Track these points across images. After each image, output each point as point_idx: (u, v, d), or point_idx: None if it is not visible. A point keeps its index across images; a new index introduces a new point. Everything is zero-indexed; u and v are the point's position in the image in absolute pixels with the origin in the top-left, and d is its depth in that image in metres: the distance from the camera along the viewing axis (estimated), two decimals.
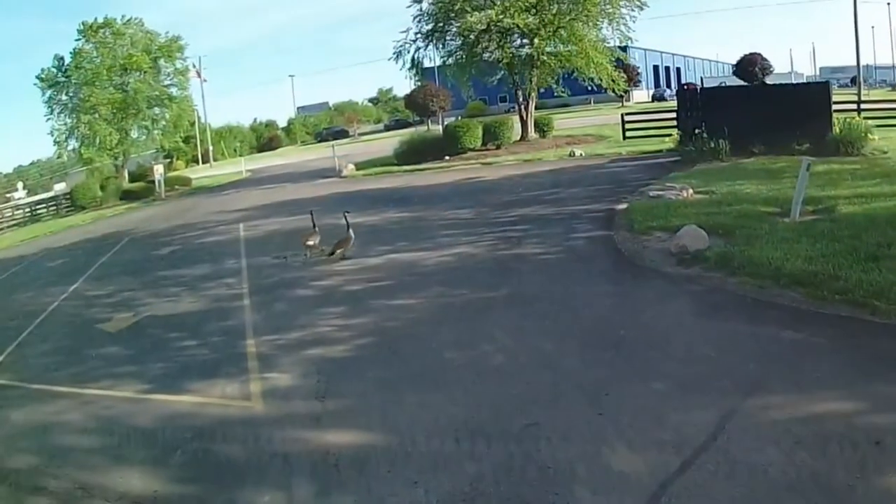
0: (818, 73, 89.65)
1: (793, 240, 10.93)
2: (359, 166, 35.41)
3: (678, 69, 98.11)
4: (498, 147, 34.11)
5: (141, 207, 37.28)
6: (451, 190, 22.73)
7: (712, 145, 21.55)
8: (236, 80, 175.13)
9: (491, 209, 17.94)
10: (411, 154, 34.32)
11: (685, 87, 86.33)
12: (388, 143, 40.43)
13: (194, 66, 73.41)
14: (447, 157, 33.05)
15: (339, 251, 14.21)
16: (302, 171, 40.61)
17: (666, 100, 70.00)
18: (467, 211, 18.09)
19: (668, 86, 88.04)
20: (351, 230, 14.33)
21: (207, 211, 27.67)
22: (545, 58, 35.50)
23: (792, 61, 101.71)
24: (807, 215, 12.72)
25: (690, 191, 16.11)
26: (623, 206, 15.90)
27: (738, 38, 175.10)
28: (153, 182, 41.63)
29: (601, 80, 35.53)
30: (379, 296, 11.12)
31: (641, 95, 72.54)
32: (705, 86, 62.07)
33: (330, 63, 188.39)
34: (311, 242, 15.03)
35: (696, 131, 22.05)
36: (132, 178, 46.90)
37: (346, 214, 14.71)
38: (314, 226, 15.28)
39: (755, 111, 21.80)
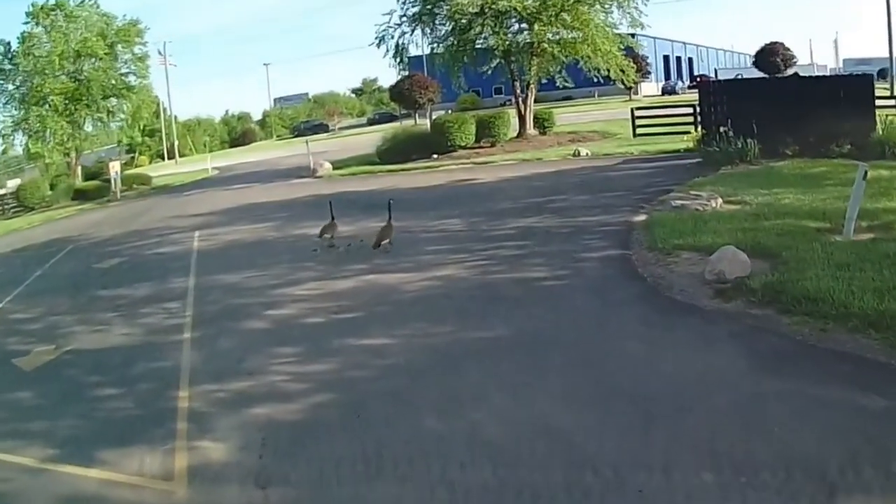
0: (841, 65, 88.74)
1: (854, 266, 9.62)
2: (336, 165, 34.26)
3: (690, 59, 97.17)
4: (493, 145, 33.09)
5: (93, 209, 36.12)
6: (439, 195, 21.42)
7: (739, 145, 20.28)
8: (206, 69, 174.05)
9: (485, 219, 16.64)
10: (395, 152, 33.21)
11: (698, 79, 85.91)
12: (371, 138, 39.32)
13: (160, 53, 72.75)
14: (435, 156, 31.98)
15: (384, 242, 14.30)
16: (274, 169, 39.65)
17: (677, 93, 69.16)
18: (457, 221, 16.78)
19: (680, 77, 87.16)
20: (392, 219, 14.54)
21: (163, 215, 26.55)
22: (546, 45, 34.20)
23: (812, 52, 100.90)
24: (862, 232, 11.46)
25: (720, 200, 14.81)
26: (641, 217, 14.60)
27: (753, 27, 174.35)
28: (109, 181, 40.27)
29: (609, 70, 34.28)
30: (346, 332, 9.73)
31: (650, 88, 71.49)
32: (720, 78, 60.91)
33: (310, 50, 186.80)
34: (328, 235, 15.29)
35: (721, 129, 20.77)
36: (89, 176, 45.53)
37: (391, 202, 14.80)
38: (332, 217, 15.47)
39: (787, 107, 20.62)
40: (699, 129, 23.60)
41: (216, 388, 8.50)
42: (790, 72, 61.93)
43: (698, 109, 25.30)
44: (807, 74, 48.66)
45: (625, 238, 13.22)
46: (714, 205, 14.55)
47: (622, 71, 34.71)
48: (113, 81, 44.68)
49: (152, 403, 8.50)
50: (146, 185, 43.27)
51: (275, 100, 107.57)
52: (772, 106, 20.88)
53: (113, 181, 39.73)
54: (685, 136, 25.30)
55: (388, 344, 9.08)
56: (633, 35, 37.68)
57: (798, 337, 7.88)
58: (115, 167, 40.97)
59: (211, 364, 9.42)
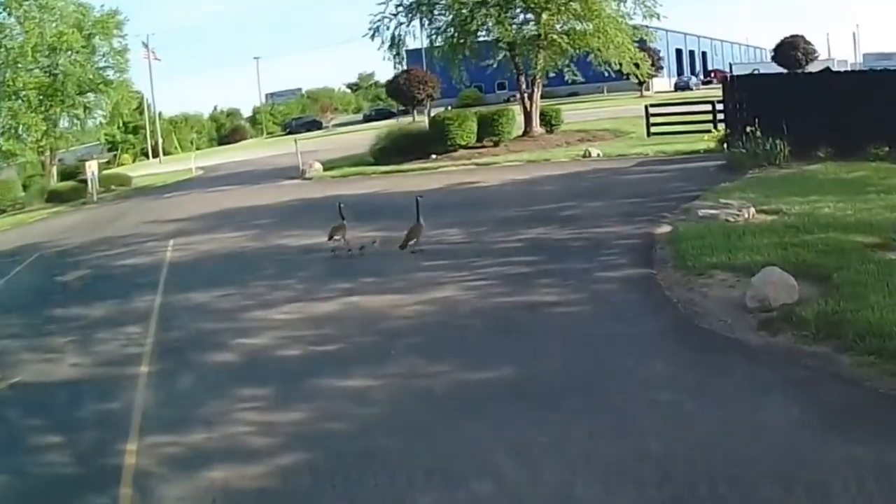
0: (861, 60, 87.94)
1: None
2: (328, 165, 33.30)
3: (704, 54, 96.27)
4: (496, 144, 32.18)
5: (67, 212, 35.12)
6: (436, 200, 20.16)
7: (767, 146, 19.24)
8: (194, 63, 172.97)
9: (488, 229, 15.62)
10: (390, 151, 32.26)
11: (712, 74, 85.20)
12: (366, 136, 38.41)
13: (145, 45, 71.81)
14: (434, 156, 31.03)
15: (411, 242, 14.08)
16: (261, 169, 38.75)
17: (691, 89, 68.24)
18: (456, 231, 15.73)
19: (693, 72, 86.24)
20: (422, 218, 14.25)
21: (139, 220, 25.60)
22: (555, 36, 33.15)
23: (829, 46, 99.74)
24: None
25: (752, 209, 13.74)
26: (664, 229, 13.56)
27: (769, 21, 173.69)
28: (85, 181, 39.24)
29: (621, 64, 33.25)
30: (324, 370, 8.65)
31: (662, 84, 70.38)
32: (740, 73, 59.99)
33: (303, 43, 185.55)
34: (337, 237, 14.92)
35: (748, 129, 19.72)
36: (65, 176, 44.40)
37: (419, 199, 14.60)
38: (342, 217, 15.04)
39: (819, 105, 19.69)
40: (723, 128, 22.58)
41: (169, 441, 7.43)
42: (812, 67, 61.00)
43: (720, 107, 24.50)
44: (842, 70, 47.70)
45: (647, 254, 12.19)
46: (746, 215, 13.49)
47: (636, 65, 33.71)
48: (90, 76, 43.48)
49: (95, 459, 7.42)
50: (125, 186, 42.26)
51: (266, 95, 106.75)
52: (802, 103, 19.99)
53: (90, 182, 38.68)
54: (705, 136, 24.47)
55: (373, 386, 7.99)
56: (645, 26, 36.69)
57: (866, 382, 6.84)
58: (91, 167, 39.84)
59: (166, 408, 8.35)
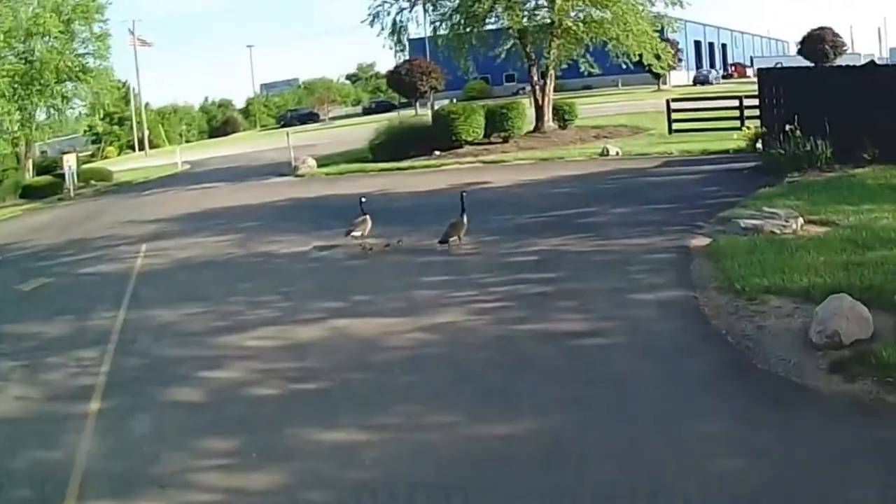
0: (888, 54, 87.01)
1: None
2: (322, 161, 32.61)
3: (724, 46, 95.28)
4: (505, 140, 31.33)
5: (40, 210, 34.22)
6: (439, 202, 19.08)
7: (808, 148, 18.07)
8: (183, 51, 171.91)
9: (498, 239, 14.48)
10: (390, 147, 31.28)
11: (732, 67, 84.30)
12: (365, 130, 37.47)
13: (131, 32, 70.95)
14: (437, 153, 30.05)
15: (451, 238, 13.73)
16: (252, 164, 38.17)
17: (711, 83, 67.44)
18: (463, 240, 14.53)
19: (712, 65, 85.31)
20: (465, 215, 13.83)
21: (115, 219, 24.72)
22: (570, 24, 32.04)
23: (853, 40, 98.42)
24: None
25: (801, 220, 12.58)
26: (702, 241, 12.40)
27: (791, 13, 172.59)
28: (63, 176, 38.24)
29: (642, 54, 32.12)
30: (305, 416, 7.47)
31: (680, 77, 69.30)
32: (757, 67, 58.98)
33: (300, 31, 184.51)
34: (357, 233, 14.59)
35: (788, 128, 18.54)
36: (42, 170, 43.35)
37: (463, 194, 14.23)
38: (363, 212, 14.72)
39: (863, 101, 18.44)
40: (757, 125, 21.40)
41: None
42: (840, 61, 59.86)
43: (748, 102, 23.50)
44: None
45: (684, 271, 10.98)
46: (794, 226, 12.33)
47: (657, 56, 32.58)
48: (69, 63, 42.28)
49: None
50: (106, 181, 41.43)
51: (260, 86, 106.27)
52: (844, 100, 18.71)
53: (67, 177, 37.74)
54: (734, 134, 23.26)
55: (364, 442, 6.79)
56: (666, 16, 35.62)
57: None
58: (69, 161, 38.87)
59: (113, 461, 7.19)
